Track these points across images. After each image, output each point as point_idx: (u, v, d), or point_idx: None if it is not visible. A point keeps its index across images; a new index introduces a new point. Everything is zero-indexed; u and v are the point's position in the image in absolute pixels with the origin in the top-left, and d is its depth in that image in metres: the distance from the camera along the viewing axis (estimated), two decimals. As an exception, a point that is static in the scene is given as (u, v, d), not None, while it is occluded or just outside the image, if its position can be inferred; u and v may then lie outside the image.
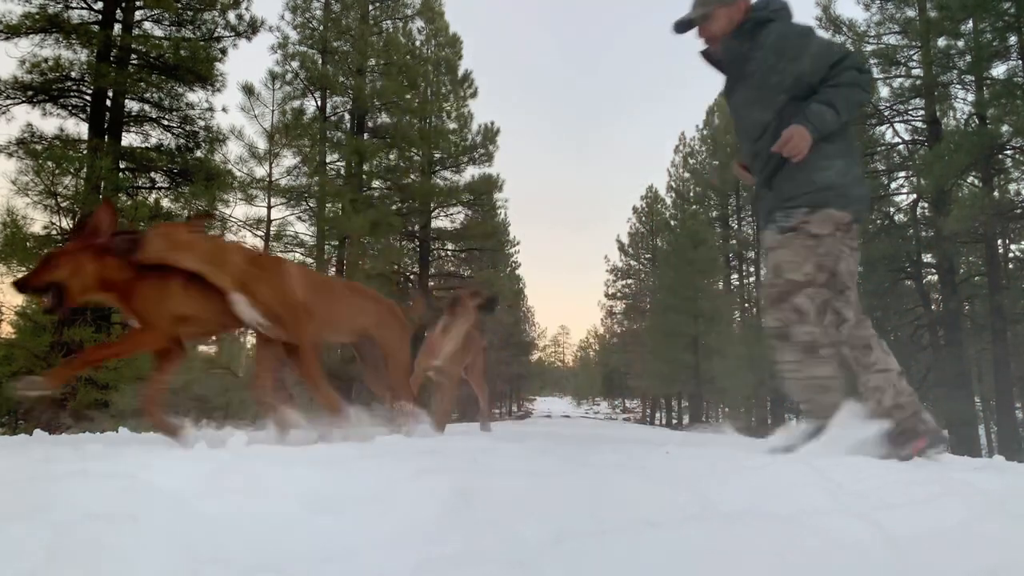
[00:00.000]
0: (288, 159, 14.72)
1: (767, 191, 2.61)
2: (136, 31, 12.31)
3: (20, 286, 2.55)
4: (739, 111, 2.69)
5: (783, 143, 2.39)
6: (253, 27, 13.16)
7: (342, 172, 16.87)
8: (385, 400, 3.40)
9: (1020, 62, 13.27)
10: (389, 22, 18.61)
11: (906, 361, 13.47)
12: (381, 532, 1.03)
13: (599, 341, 59.79)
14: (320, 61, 16.33)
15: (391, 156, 18.42)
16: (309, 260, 14.65)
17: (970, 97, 14.51)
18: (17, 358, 11.01)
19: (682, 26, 2.67)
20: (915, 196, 15.93)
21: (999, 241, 15.78)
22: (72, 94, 11.95)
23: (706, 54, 2.74)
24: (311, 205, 15.02)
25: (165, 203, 12.64)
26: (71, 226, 11.05)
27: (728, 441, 4.76)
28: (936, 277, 16.31)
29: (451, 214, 20.82)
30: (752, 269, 29.34)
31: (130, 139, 12.70)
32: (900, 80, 15.57)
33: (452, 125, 20.48)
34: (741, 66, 2.59)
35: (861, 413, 2.29)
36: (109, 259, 2.53)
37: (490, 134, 20.27)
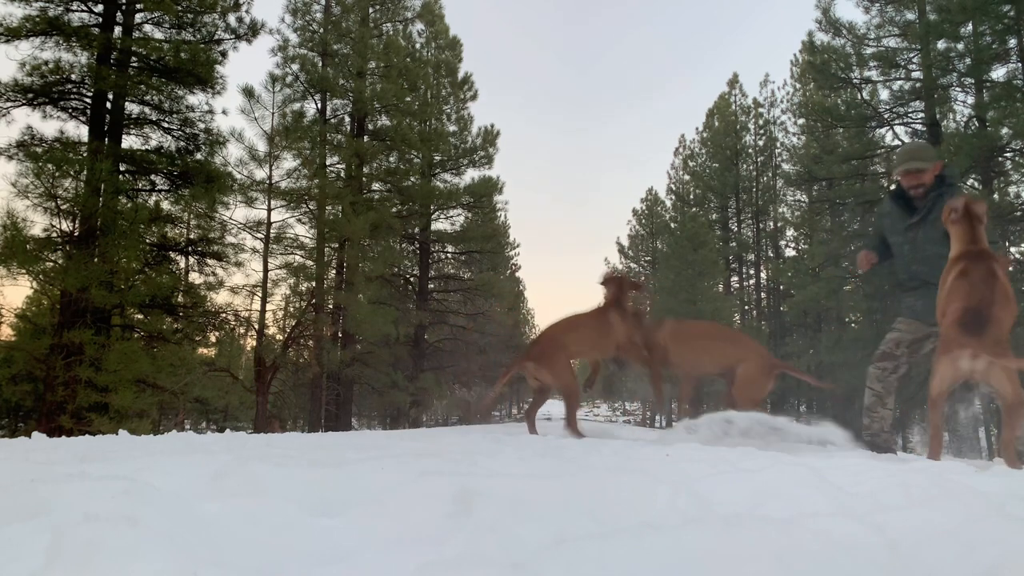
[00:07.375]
0: (288, 161, 14.70)
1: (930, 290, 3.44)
2: (136, 34, 12.33)
3: None
4: (919, 242, 3.60)
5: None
6: (253, 30, 13.19)
7: (342, 175, 16.88)
8: None
9: (1020, 64, 13.30)
10: (389, 25, 18.63)
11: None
12: (381, 534, 1.03)
13: (599, 343, 59.61)
14: (320, 64, 16.35)
15: (391, 159, 18.43)
16: (309, 263, 14.63)
17: (970, 100, 14.54)
18: (16, 360, 11.02)
19: (911, 172, 3.57)
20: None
21: (998, 244, 15.78)
22: (72, 97, 11.97)
23: (904, 189, 3.65)
24: (311, 207, 15.00)
25: (165, 205, 12.66)
26: (71, 228, 11.07)
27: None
28: (936, 279, 16.27)
29: (451, 216, 20.85)
30: (752, 271, 29.35)
31: (130, 142, 12.73)
32: (900, 83, 15.60)
33: (452, 128, 20.52)
34: (930, 210, 3.51)
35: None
36: None
37: (490, 137, 20.30)
